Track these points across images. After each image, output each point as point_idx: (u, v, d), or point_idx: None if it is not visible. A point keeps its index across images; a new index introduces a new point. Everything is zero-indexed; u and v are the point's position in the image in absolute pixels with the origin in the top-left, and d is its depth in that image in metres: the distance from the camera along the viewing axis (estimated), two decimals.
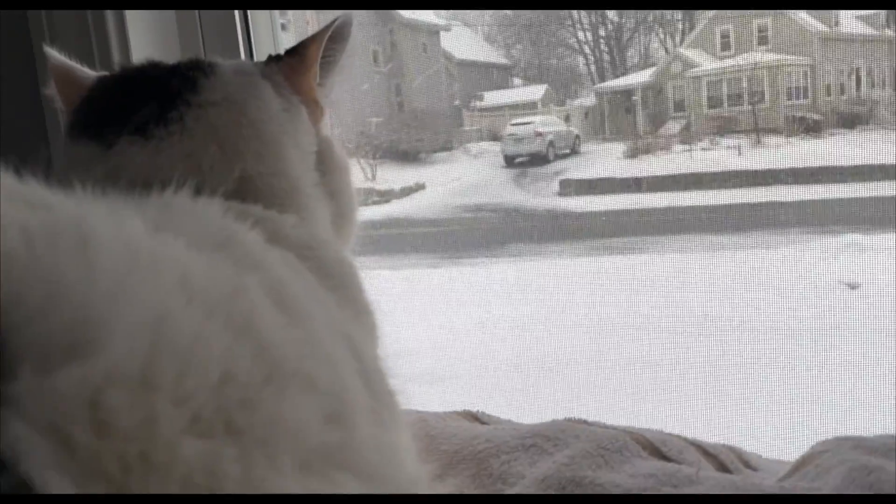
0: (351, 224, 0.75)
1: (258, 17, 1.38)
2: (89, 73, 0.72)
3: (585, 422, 0.88)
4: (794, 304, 3.37)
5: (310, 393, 0.42)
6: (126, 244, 0.40)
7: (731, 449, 0.86)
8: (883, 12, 4.44)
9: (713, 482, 0.77)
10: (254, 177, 0.63)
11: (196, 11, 1.30)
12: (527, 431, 0.83)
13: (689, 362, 2.97)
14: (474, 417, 0.93)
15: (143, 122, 0.63)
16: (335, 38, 0.71)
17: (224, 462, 0.35)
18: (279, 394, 0.40)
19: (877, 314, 3.26)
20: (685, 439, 0.86)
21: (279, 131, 0.66)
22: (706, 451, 0.84)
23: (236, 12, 1.32)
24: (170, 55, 1.29)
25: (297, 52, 0.70)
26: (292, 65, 0.71)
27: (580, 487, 0.74)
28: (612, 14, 4.56)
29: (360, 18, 4.64)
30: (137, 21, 1.24)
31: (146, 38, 1.27)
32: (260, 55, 1.35)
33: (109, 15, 1.20)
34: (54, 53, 0.73)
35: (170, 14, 1.29)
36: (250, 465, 0.36)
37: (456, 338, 3.55)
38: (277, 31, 1.40)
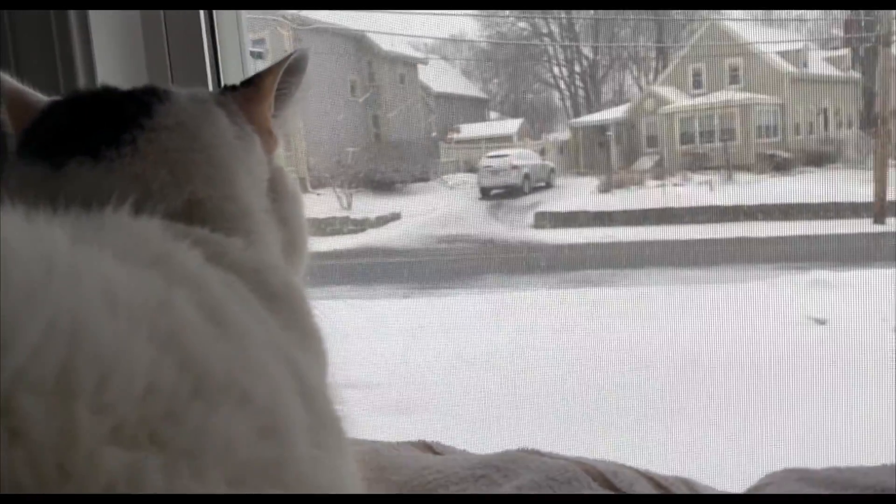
0: (301, 253, 0.75)
1: (226, 44, 1.38)
2: (41, 97, 0.72)
3: (538, 452, 0.87)
4: (764, 339, 3.40)
5: (242, 406, 0.41)
6: (42, 253, 0.39)
7: (684, 481, 0.86)
8: (848, 55, 4.57)
9: None
10: (203, 200, 0.63)
11: (165, 42, 1.31)
12: (478, 462, 0.83)
13: (658, 394, 2.98)
14: (428, 447, 0.92)
15: (94, 143, 0.63)
16: (291, 70, 0.73)
17: (148, 472, 0.35)
18: (207, 406, 0.39)
19: (844, 349, 3.30)
20: (637, 471, 0.86)
21: (231, 157, 0.67)
22: (658, 484, 0.84)
23: (205, 42, 1.32)
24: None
25: (252, 83, 0.72)
26: (248, 95, 0.71)
27: None
28: (587, 50, 4.64)
29: (339, 49, 4.68)
30: (104, 54, 1.24)
31: (112, 64, 1.27)
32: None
33: (77, 48, 1.20)
34: (6, 77, 0.73)
35: (138, 40, 1.29)
36: (175, 475, 0.36)
37: (428, 369, 3.53)
38: (246, 59, 1.41)
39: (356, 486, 0.57)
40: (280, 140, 0.74)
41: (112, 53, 1.31)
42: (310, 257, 0.81)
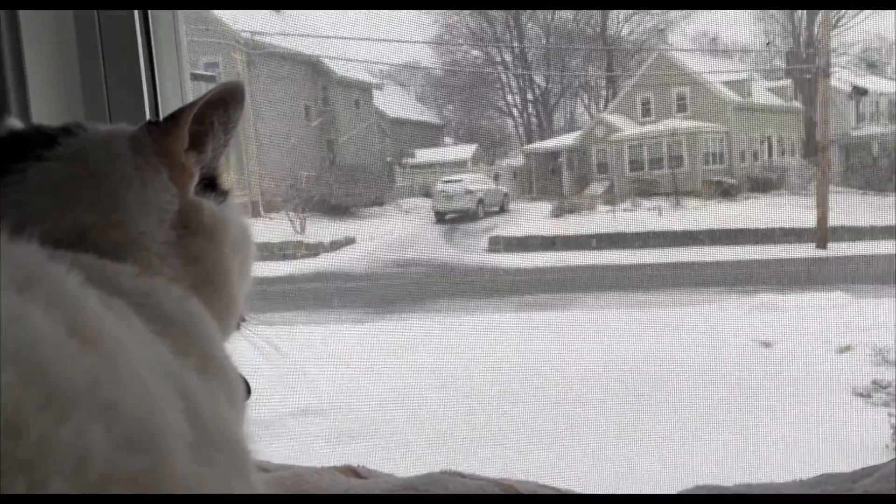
0: (223, 295, 0.70)
1: (165, 70, 1.38)
2: None
3: (460, 474, 0.88)
4: (711, 361, 3.46)
5: (104, 418, 0.42)
6: None
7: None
8: (790, 86, 4.73)
9: None
10: (89, 227, 0.63)
11: (102, 71, 1.30)
12: (398, 484, 0.84)
13: (608, 415, 3.01)
14: (353, 472, 0.93)
15: None
16: (215, 104, 0.72)
17: None
18: (57, 417, 0.40)
19: (789, 371, 3.38)
20: (557, 490, 0.87)
21: (123, 186, 0.66)
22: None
23: (143, 69, 1.32)
24: (73, 115, 1.30)
25: (173, 116, 0.71)
26: (164, 128, 0.71)
27: None
28: (539, 79, 4.75)
29: (293, 74, 4.70)
30: (37, 79, 1.24)
31: (46, 93, 1.27)
32: (166, 109, 1.35)
33: (10, 82, 1.20)
34: None
35: (73, 66, 1.29)
36: (8, 487, 0.36)
37: (380, 394, 3.52)
38: (186, 83, 1.41)
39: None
40: (196, 175, 0.72)
41: (46, 81, 1.30)
42: (244, 304, 0.78)
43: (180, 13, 1.39)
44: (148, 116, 1.45)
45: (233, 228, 0.73)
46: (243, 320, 0.80)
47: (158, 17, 1.37)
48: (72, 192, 0.62)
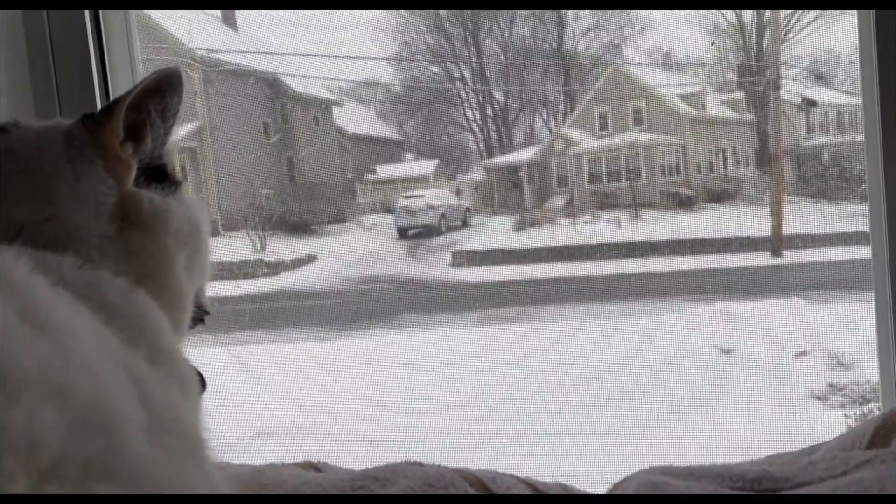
0: (168, 294, 0.69)
1: (118, 73, 1.37)
2: None
3: (420, 463, 0.88)
4: (673, 368, 3.49)
5: (57, 401, 0.41)
6: None
7: (563, 487, 0.88)
8: (743, 98, 4.85)
9: None
10: (24, 223, 0.62)
11: (52, 74, 1.29)
12: (358, 475, 0.83)
13: (573, 424, 3.02)
14: (313, 467, 0.92)
15: None
16: (151, 92, 0.70)
17: None
18: (8, 402, 0.39)
19: (748, 376, 3.42)
20: (517, 477, 0.87)
21: (54, 179, 0.64)
22: (536, 489, 0.85)
23: (94, 72, 1.31)
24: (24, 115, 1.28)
25: (107, 107, 0.70)
26: (100, 120, 0.70)
27: None
28: (498, 94, 4.80)
29: (251, 92, 4.67)
30: None
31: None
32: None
33: None
34: None
35: (23, 68, 1.27)
36: None
37: (344, 414, 3.48)
38: (137, 66, 1.39)
39: (218, 490, 0.56)
40: (133, 166, 0.70)
41: None
42: (190, 304, 0.76)
43: (132, 14, 1.37)
44: None
45: (176, 220, 0.70)
46: (206, 313, 0.78)
47: (110, 17, 1.36)
48: (2, 188, 0.61)
